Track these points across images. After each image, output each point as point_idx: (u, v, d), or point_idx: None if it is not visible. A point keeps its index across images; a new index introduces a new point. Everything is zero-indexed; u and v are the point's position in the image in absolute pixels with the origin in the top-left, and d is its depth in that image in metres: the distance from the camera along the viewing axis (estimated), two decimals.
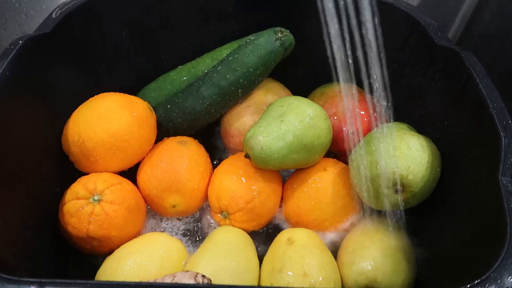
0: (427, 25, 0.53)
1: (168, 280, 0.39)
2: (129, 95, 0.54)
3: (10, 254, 0.41)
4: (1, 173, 0.42)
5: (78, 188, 0.49)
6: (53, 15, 0.52)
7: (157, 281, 0.40)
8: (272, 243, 0.50)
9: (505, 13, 0.54)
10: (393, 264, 0.46)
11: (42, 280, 0.31)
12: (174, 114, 0.58)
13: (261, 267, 0.48)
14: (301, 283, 0.44)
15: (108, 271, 0.45)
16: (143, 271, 0.45)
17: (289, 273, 0.45)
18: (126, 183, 0.52)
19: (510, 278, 0.32)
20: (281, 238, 0.49)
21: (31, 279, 0.31)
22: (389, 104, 0.49)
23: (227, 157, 0.57)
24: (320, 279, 0.44)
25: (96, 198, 0.48)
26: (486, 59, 0.55)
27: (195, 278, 0.39)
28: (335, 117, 0.57)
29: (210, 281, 0.40)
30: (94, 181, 0.49)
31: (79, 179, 0.51)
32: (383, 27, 0.58)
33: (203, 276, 0.40)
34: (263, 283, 0.46)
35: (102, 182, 0.49)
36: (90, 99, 0.53)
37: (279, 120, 0.49)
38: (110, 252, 0.48)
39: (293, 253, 0.47)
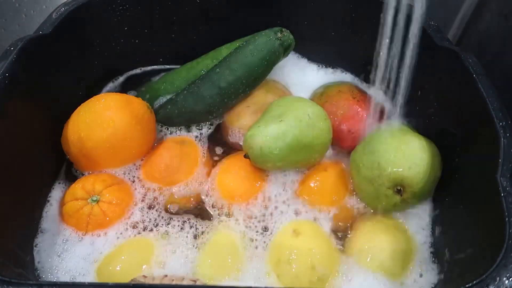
0: (427, 25, 0.53)
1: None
2: (128, 95, 0.54)
3: (10, 257, 0.41)
4: (1, 174, 0.42)
5: (76, 189, 0.49)
6: (53, 16, 0.53)
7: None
8: (277, 234, 0.50)
9: (505, 13, 0.54)
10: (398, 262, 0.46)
11: (42, 282, 0.31)
12: (174, 114, 0.58)
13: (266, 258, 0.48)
14: (309, 276, 0.44)
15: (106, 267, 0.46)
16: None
17: (297, 265, 0.45)
18: (124, 183, 0.52)
19: (509, 278, 0.32)
20: (286, 229, 0.49)
21: (31, 282, 0.31)
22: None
23: (227, 157, 0.57)
24: (327, 272, 0.45)
25: (94, 198, 0.48)
26: (486, 59, 0.55)
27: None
28: (336, 117, 0.56)
29: None
30: (93, 182, 0.49)
31: (77, 180, 0.51)
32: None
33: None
34: (268, 274, 0.46)
35: (100, 183, 0.50)
36: (90, 99, 0.53)
37: (279, 120, 0.49)
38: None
39: (301, 245, 0.47)
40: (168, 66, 0.64)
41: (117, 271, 0.45)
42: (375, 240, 0.48)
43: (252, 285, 0.45)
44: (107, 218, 0.48)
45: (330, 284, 0.45)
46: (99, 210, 0.48)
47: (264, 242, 0.50)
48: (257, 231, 0.51)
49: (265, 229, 0.51)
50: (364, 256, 0.47)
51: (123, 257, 0.46)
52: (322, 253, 0.46)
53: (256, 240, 0.50)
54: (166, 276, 0.42)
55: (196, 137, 0.59)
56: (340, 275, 0.46)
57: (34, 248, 0.47)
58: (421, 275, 0.48)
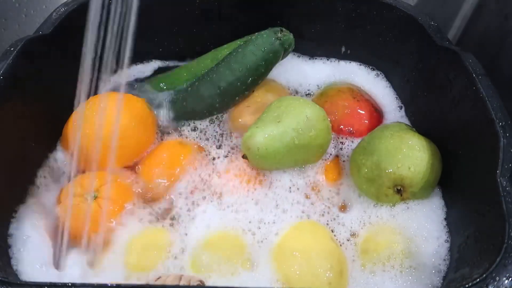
0: (427, 25, 0.53)
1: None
2: (128, 94, 0.55)
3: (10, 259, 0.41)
4: (0, 174, 0.42)
5: (74, 186, 0.49)
6: (53, 16, 0.53)
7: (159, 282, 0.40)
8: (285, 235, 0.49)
9: (505, 13, 0.54)
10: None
11: (41, 283, 0.31)
12: (174, 114, 0.58)
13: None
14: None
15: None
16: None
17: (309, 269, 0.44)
18: (122, 180, 0.52)
19: (508, 278, 0.32)
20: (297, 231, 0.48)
21: (31, 282, 0.31)
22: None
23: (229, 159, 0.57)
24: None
25: (92, 195, 0.48)
26: (486, 59, 0.55)
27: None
28: (336, 117, 0.56)
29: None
30: (90, 179, 0.49)
31: (75, 178, 0.51)
32: (383, 27, 0.58)
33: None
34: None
35: (98, 180, 0.49)
36: (90, 99, 0.53)
37: (277, 121, 0.49)
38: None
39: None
40: (168, 66, 0.64)
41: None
42: (376, 243, 0.47)
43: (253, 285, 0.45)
44: (104, 214, 0.48)
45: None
46: (97, 207, 0.48)
47: (266, 240, 0.50)
48: (258, 228, 0.51)
49: (267, 227, 0.51)
50: (368, 258, 0.47)
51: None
52: (334, 259, 0.45)
53: (258, 238, 0.50)
54: (159, 277, 0.42)
55: (196, 136, 0.59)
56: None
57: (30, 245, 0.46)
58: (421, 275, 0.48)
